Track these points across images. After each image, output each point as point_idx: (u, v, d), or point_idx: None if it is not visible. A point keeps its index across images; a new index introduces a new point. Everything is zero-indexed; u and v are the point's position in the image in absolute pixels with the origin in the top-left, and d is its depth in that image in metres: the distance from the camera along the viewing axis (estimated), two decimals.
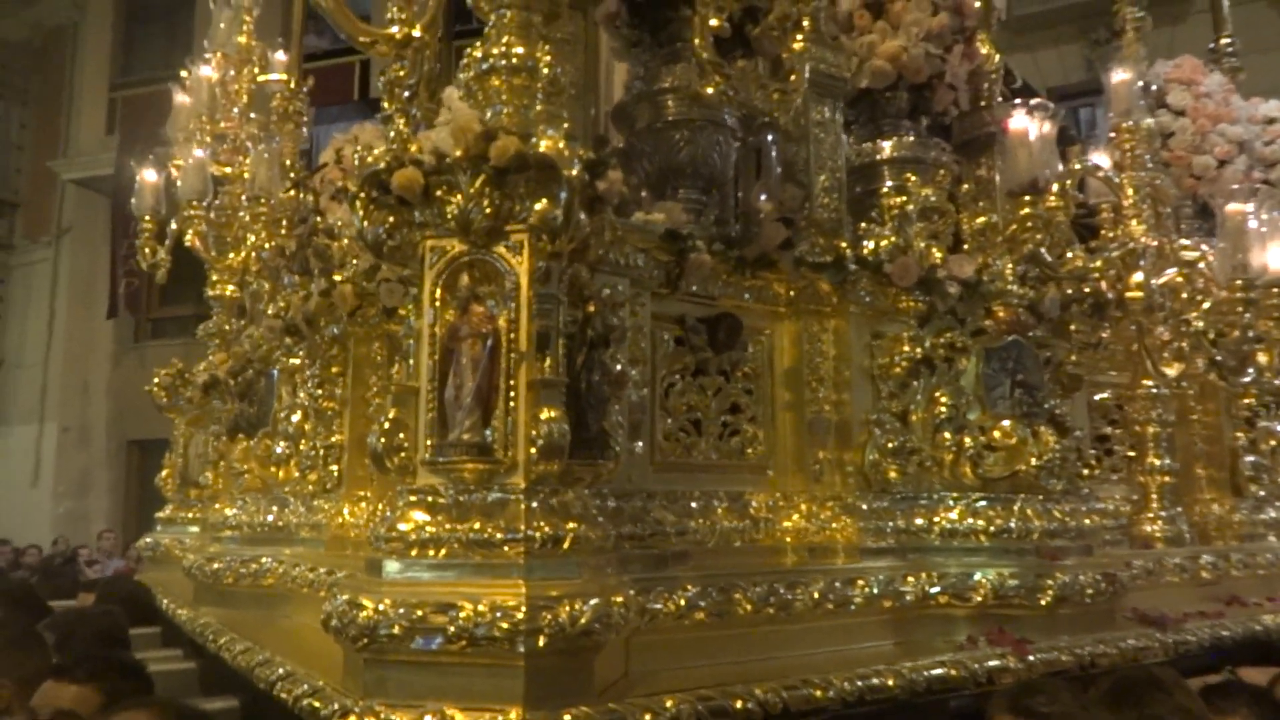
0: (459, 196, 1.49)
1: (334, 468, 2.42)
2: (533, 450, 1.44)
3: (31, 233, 12.78)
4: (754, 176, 2.28)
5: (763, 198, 2.15)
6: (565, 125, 1.52)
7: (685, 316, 2.00)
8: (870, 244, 2.21)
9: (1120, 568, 2.26)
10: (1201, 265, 2.81)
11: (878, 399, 2.18)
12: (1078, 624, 2.11)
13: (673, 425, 1.97)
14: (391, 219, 1.54)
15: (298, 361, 2.67)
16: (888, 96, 2.66)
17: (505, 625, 1.31)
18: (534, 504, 1.44)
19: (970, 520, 2.08)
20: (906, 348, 2.18)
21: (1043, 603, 2.02)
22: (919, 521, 2.09)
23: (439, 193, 1.51)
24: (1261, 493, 3.04)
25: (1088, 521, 2.26)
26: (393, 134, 1.84)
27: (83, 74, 12.53)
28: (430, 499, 1.45)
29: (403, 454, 1.51)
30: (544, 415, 1.44)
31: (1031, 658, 1.90)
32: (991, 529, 2.07)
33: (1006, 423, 2.18)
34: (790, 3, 2.03)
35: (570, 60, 2.05)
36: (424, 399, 1.50)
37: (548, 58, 1.65)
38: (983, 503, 2.13)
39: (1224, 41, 4.01)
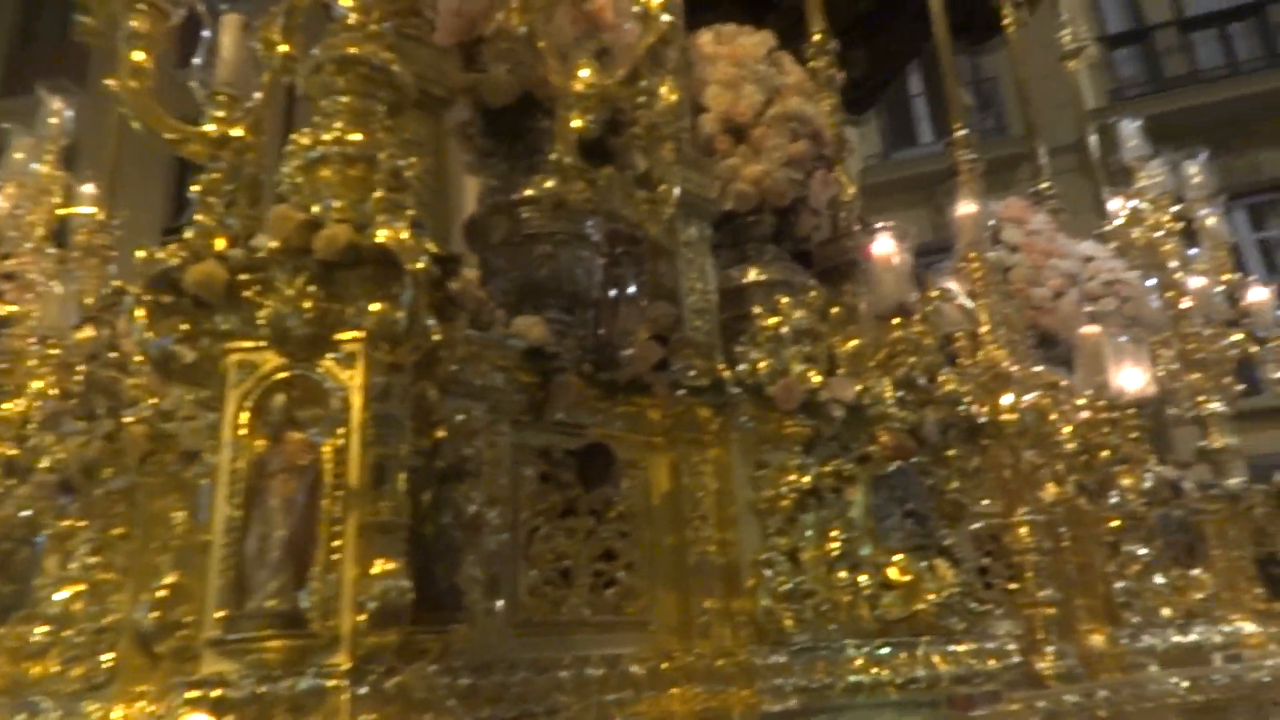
0: (274, 298, 1.21)
1: (106, 657, 1.93)
2: (362, 617, 1.11)
3: None
4: (622, 295, 2.10)
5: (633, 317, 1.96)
6: (409, 213, 1.28)
7: (551, 448, 1.75)
8: (747, 366, 2.05)
9: (1029, 714, 2.08)
10: (1061, 388, 2.83)
11: (766, 536, 1.96)
12: None
13: (537, 577, 1.67)
14: (185, 326, 1.22)
15: (71, 524, 2.18)
16: (752, 220, 2.60)
17: None
18: (362, 690, 1.10)
19: (875, 671, 1.86)
20: (793, 477, 2.00)
21: None
22: (821, 677, 1.84)
23: (249, 294, 1.22)
24: (1136, 619, 2.99)
25: (991, 663, 2.08)
26: (192, 231, 1.54)
27: None
28: (218, 693, 1.08)
29: (182, 632, 1.14)
30: (378, 569, 1.12)
31: None
32: (899, 680, 1.85)
33: (901, 557, 2.01)
34: (656, 114, 1.91)
35: (419, 160, 1.83)
36: (216, 557, 1.15)
37: (390, 148, 1.43)
38: (885, 650, 1.92)
39: (1044, 186, 4.31)
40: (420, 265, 1.19)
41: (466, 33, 2.02)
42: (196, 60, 1.98)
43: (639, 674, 1.73)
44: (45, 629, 2.08)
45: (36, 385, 3.10)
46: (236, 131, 1.84)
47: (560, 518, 1.74)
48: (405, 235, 1.21)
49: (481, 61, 2.01)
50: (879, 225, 2.67)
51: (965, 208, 3.05)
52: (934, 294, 2.91)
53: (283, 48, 1.78)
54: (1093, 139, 6.82)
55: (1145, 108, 12.46)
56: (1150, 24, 13.44)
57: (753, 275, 2.52)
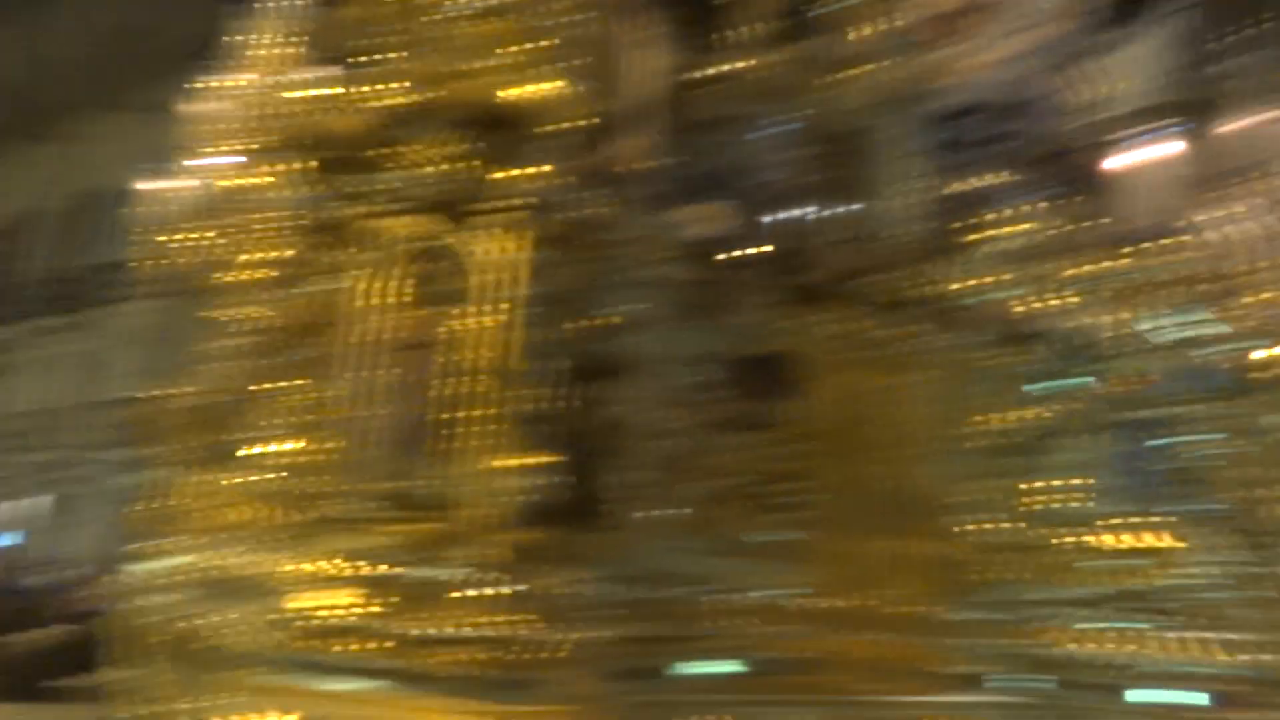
0: (417, 159, 1.10)
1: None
2: (500, 511, 1.00)
3: None
4: (816, 193, 1.87)
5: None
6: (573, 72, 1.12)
7: (721, 355, 1.57)
8: (960, 285, 1.79)
9: None
10: None
11: (971, 478, 1.70)
12: None
13: (700, 491, 1.51)
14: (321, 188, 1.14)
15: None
16: (974, 121, 2.27)
17: None
18: (499, 589, 1.00)
19: (1090, 647, 1.58)
20: (1011, 414, 1.73)
21: None
22: (1021, 644, 1.59)
23: (389, 152, 1.12)
24: None
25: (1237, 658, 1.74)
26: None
27: None
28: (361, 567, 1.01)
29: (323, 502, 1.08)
30: (525, 462, 1.01)
31: None
32: (1116, 662, 1.57)
33: (1132, 522, 1.71)
34: None
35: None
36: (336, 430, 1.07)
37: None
38: (1100, 625, 1.64)
39: None
40: (578, 124, 1.03)
41: None
42: None
43: (809, 609, 1.55)
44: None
45: None
46: None
47: (733, 431, 1.58)
48: (566, 89, 1.05)
49: None
50: (1145, 130, 2.27)
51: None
52: (1214, 216, 2.47)
53: None
54: None
55: None
56: None
57: (971, 183, 2.20)
